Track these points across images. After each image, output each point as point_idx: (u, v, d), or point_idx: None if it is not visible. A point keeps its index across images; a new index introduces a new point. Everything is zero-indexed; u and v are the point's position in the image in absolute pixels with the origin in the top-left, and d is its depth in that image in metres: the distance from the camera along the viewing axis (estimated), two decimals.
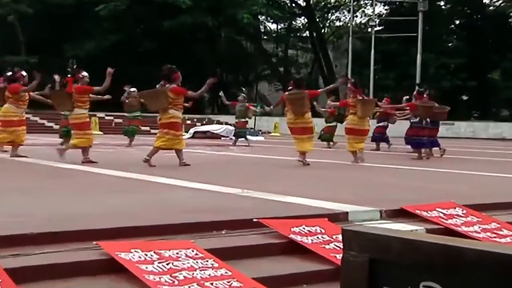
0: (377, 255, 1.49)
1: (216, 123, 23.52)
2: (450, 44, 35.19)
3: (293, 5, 37.94)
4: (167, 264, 2.71)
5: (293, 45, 39.94)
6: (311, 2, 37.25)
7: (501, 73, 33.34)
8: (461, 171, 7.54)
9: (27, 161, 7.86)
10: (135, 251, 2.78)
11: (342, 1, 38.49)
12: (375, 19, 31.73)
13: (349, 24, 33.51)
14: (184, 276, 2.62)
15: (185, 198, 4.48)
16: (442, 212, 3.89)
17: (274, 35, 40.19)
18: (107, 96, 11.35)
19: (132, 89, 12.44)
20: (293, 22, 39.28)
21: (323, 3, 38.66)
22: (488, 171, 7.60)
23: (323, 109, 13.57)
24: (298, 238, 3.20)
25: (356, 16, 37.15)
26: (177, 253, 2.82)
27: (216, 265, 2.77)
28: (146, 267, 2.66)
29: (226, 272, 2.71)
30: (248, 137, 17.75)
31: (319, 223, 3.45)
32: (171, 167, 7.19)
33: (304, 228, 3.32)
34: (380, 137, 12.49)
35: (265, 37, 39.87)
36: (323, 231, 3.34)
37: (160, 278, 2.57)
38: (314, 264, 2.99)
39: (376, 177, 6.75)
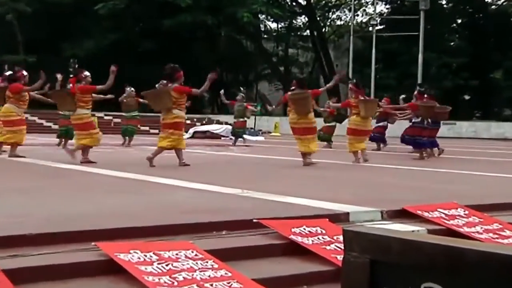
0: (378, 256, 1.49)
1: (215, 123, 23.52)
2: (452, 43, 35.13)
3: (294, 3, 37.90)
4: (167, 265, 2.69)
5: (293, 44, 39.88)
6: (312, 0, 37.20)
7: (503, 73, 33.29)
8: (462, 171, 7.52)
9: (26, 161, 7.85)
10: (134, 252, 2.77)
11: (343, 0, 38.44)
12: (376, 18, 31.70)
13: (350, 23, 33.46)
14: (183, 277, 2.61)
15: (184, 198, 4.46)
16: (443, 213, 3.87)
17: (274, 34, 40.15)
18: (109, 96, 11.36)
19: (130, 89, 12.42)
20: (294, 21, 39.24)
21: (324, 1, 38.61)
22: (490, 171, 7.58)
23: (322, 109, 13.55)
24: (299, 239, 3.18)
25: (357, 15, 37.18)
26: (177, 254, 2.81)
27: (216, 266, 2.76)
28: (146, 268, 2.64)
29: (226, 273, 2.70)
30: (248, 137, 17.78)
31: (320, 223, 3.43)
32: (170, 167, 7.17)
33: (304, 229, 3.30)
34: (380, 137, 12.48)
35: (265, 36, 39.82)
36: (323, 231, 3.32)
37: (159, 279, 2.56)
38: (314, 265, 2.98)
39: (376, 177, 6.73)
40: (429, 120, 9.67)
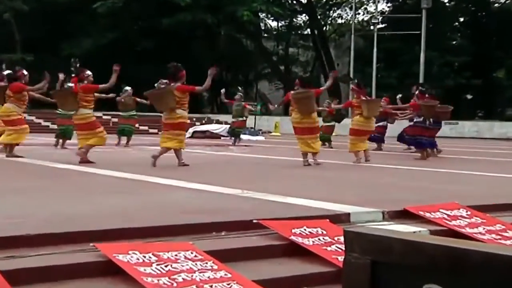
0: (380, 257, 1.49)
1: (215, 123, 23.49)
2: (454, 42, 35.07)
3: (294, 2, 37.84)
4: (166, 266, 2.68)
5: (294, 43, 39.84)
6: None
7: (506, 72, 33.24)
8: (464, 171, 7.51)
9: (23, 161, 7.82)
10: (133, 253, 2.75)
11: None
12: (378, 17, 31.65)
13: (351, 22, 33.42)
14: (183, 278, 2.59)
15: (184, 199, 4.44)
16: (446, 213, 3.85)
17: (274, 32, 40.11)
18: (111, 95, 11.35)
19: (128, 88, 12.39)
20: (294, 20, 39.17)
21: (324, 0, 38.52)
22: (492, 171, 7.55)
23: (320, 108, 13.53)
24: (299, 240, 3.16)
25: (358, 14, 37.11)
26: (176, 255, 2.79)
27: (215, 267, 2.74)
28: (144, 269, 2.63)
29: (225, 274, 2.68)
30: (248, 136, 17.76)
31: (321, 224, 3.41)
32: (170, 168, 7.15)
33: (305, 230, 3.28)
34: (380, 137, 12.46)
35: (265, 35, 39.78)
36: (324, 232, 3.30)
37: (158, 280, 2.55)
38: (315, 266, 2.96)
39: (377, 177, 6.71)
40: (431, 120, 9.65)
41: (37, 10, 29.40)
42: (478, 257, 1.32)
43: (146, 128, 21.15)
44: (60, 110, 10.73)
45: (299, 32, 39.80)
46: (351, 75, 29.72)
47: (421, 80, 23.80)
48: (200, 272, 2.66)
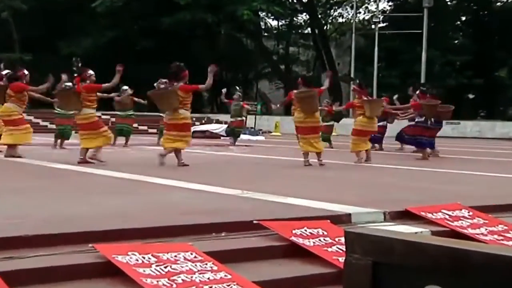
0: (381, 258, 1.49)
1: (215, 122, 23.47)
2: (455, 41, 34.95)
3: (295, 1, 37.78)
4: (165, 267, 2.66)
5: (294, 42, 39.77)
6: None
7: (508, 71, 33.15)
8: (465, 171, 7.49)
9: (22, 161, 7.80)
10: (133, 253, 2.74)
11: None
12: (379, 16, 31.56)
13: (352, 21, 33.33)
14: (182, 280, 2.58)
15: (183, 199, 4.42)
16: (447, 214, 3.83)
17: (275, 32, 40.06)
18: (113, 94, 11.34)
19: (126, 87, 12.38)
20: (295, 19, 39.09)
21: None
22: (494, 171, 7.53)
23: (319, 108, 13.50)
24: (300, 241, 3.15)
25: (359, 13, 36.97)
26: (176, 256, 2.78)
27: (215, 268, 2.73)
28: (144, 270, 2.61)
29: (225, 275, 2.67)
30: (248, 136, 17.73)
31: (321, 225, 3.39)
32: (169, 168, 7.13)
33: (305, 230, 3.27)
34: (380, 137, 12.44)
35: (265, 34, 39.70)
36: (325, 233, 3.29)
37: (158, 281, 2.54)
38: (316, 267, 2.95)
39: (378, 177, 6.70)
40: (432, 119, 9.64)
41: (36, 9, 29.35)
42: (480, 258, 1.32)
43: (145, 128, 21.13)
44: (58, 109, 10.71)
45: (300, 31, 39.74)
46: (352, 75, 29.69)
47: (422, 80, 23.76)
48: (199, 273, 2.65)
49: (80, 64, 7.60)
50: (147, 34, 30.35)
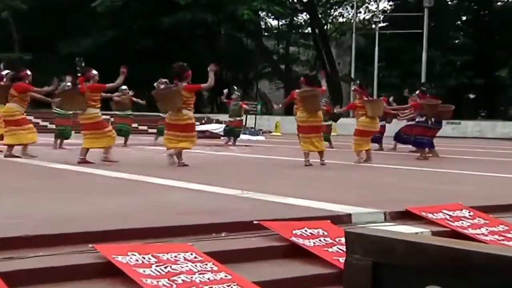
0: (381, 258, 1.49)
1: (215, 122, 23.45)
2: (456, 41, 34.87)
3: (295, 0, 37.75)
4: (165, 268, 2.66)
5: (294, 42, 39.74)
6: None
7: (509, 71, 33.09)
8: (467, 171, 7.48)
9: (21, 161, 7.80)
10: (132, 254, 2.74)
11: None
12: (379, 15, 31.53)
13: (352, 20, 33.30)
14: (182, 280, 2.58)
15: (183, 199, 4.41)
16: (448, 214, 3.83)
17: (275, 31, 40.02)
18: (116, 94, 11.35)
19: (124, 87, 12.38)
20: (295, 18, 39.05)
21: None
22: (495, 171, 7.51)
23: None
24: (300, 241, 3.14)
25: (360, 12, 36.92)
26: (176, 256, 2.77)
27: (215, 268, 2.72)
28: (144, 271, 2.61)
29: (225, 276, 2.66)
30: (248, 136, 17.71)
31: (322, 225, 3.39)
32: (169, 168, 7.13)
33: (306, 231, 3.26)
34: (380, 137, 12.43)
35: (266, 33, 39.66)
36: (325, 233, 3.28)
37: (158, 281, 2.53)
38: (316, 268, 2.94)
39: (379, 177, 6.69)
40: (433, 120, 9.63)
41: (36, 9, 29.34)
42: (480, 258, 1.31)
43: (145, 128, 21.13)
44: (58, 109, 10.69)
45: (300, 31, 39.69)
46: (352, 75, 29.67)
47: (423, 80, 23.73)
48: (200, 274, 2.64)
49: (83, 64, 7.61)
50: (147, 34, 30.34)
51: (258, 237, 3.23)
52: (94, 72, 7.54)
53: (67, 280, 2.58)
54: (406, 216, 3.86)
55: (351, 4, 35.55)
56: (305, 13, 38.28)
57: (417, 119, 9.75)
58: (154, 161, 8.38)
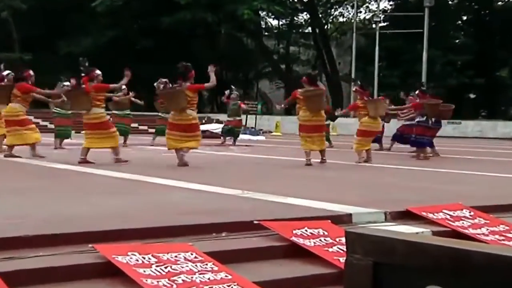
0: (382, 258, 1.48)
1: (215, 122, 23.46)
2: (457, 41, 34.82)
3: (295, 0, 37.74)
4: (165, 268, 2.65)
5: (295, 41, 39.72)
6: None
7: (510, 71, 33.05)
8: (467, 171, 7.47)
9: (21, 161, 7.79)
10: (133, 254, 2.73)
11: None
12: (380, 15, 31.51)
13: (353, 20, 33.29)
14: (182, 280, 2.57)
15: (183, 199, 4.41)
16: (449, 214, 3.82)
17: (275, 31, 40.00)
18: (120, 94, 11.39)
19: (123, 87, 12.38)
20: (295, 18, 39.01)
21: None
22: (495, 171, 7.50)
23: None
24: (300, 241, 3.14)
25: (360, 12, 36.88)
26: (176, 256, 2.77)
27: (215, 268, 2.71)
28: (144, 271, 2.60)
29: (226, 276, 2.66)
30: (249, 136, 17.70)
31: (322, 225, 3.38)
32: (169, 168, 7.12)
33: (306, 231, 3.26)
34: (380, 137, 12.43)
35: (266, 33, 39.64)
36: (326, 233, 3.28)
37: (158, 282, 2.53)
38: (316, 268, 2.94)
39: (379, 177, 6.69)
40: (433, 120, 9.64)
41: (36, 9, 29.33)
42: (481, 259, 1.31)
43: (145, 127, 21.13)
44: (57, 109, 10.69)
45: (300, 30, 39.68)
46: (353, 74, 29.64)
47: (423, 80, 23.71)
48: (200, 274, 2.64)
49: (87, 64, 7.63)
50: (147, 34, 30.33)
51: (259, 237, 3.23)
52: (98, 72, 7.55)
53: (67, 280, 2.58)
54: (406, 216, 3.86)
55: (351, 4, 35.53)
56: (305, 13, 38.26)
57: (417, 119, 9.75)
58: (154, 161, 8.37)
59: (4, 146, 8.54)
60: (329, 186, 5.62)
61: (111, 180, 5.74)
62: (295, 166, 7.89)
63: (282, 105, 10.64)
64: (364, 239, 1.51)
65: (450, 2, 35.29)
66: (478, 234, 3.56)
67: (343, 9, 39.25)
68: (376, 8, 32.95)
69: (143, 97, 13.31)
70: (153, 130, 13.69)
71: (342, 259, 2.55)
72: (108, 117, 7.72)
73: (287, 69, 38.79)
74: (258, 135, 19.33)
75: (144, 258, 2.71)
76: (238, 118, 14.23)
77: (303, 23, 39.36)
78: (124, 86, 12.41)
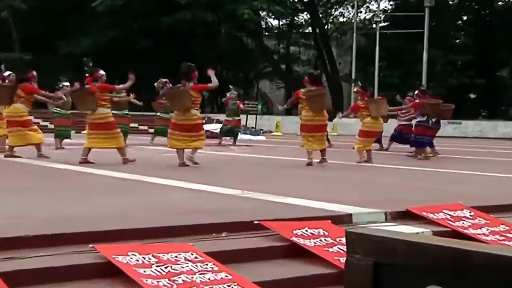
0: (382, 258, 1.48)
1: (215, 122, 23.45)
2: (457, 41, 34.83)
3: (295, 0, 37.74)
4: (166, 268, 2.65)
5: (295, 41, 39.73)
6: None
7: (510, 71, 33.08)
8: (468, 171, 7.47)
9: (21, 161, 7.80)
10: (133, 254, 2.73)
11: None
12: (380, 15, 31.51)
13: (353, 20, 33.31)
14: (183, 280, 2.57)
15: (183, 199, 4.41)
16: (449, 214, 3.82)
17: (275, 31, 40.00)
18: (122, 95, 11.44)
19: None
20: (295, 18, 39.02)
21: None
22: (496, 171, 7.50)
23: None
24: (301, 241, 3.13)
25: (361, 12, 36.89)
26: (176, 256, 2.76)
27: (216, 268, 2.71)
28: (144, 271, 2.60)
29: (226, 276, 2.65)
30: (249, 136, 17.70)
31: (322, 225, 3.38)
32: (169, 168, 7.12)
33: (306, 231, 3.25)
34: (380, 137, 12.43)
35: (266, 33, 39.64)
36: (326, 233, 3.27)
37: (158, 282, 2.52)
38: (317, 268, 2.94)
39: (379, 177, 6.69)
40: (433, 120, 9.64)
41: (36, 9, 29.34)
42: (481, 259, 1.31)
43: (145, 127, 21.14)
44: (57, 109, 10.69)
45: (301, 30, 39.68)
46: (353, 74, 29.65)
47: (423, 80, 23.72)
48: (200, 274, 2.64)
49: (91, 64, 7.66)
50: (147, 34, 30.34)
51: (259, 237, 3.22)
52: (102, 72, 7.56)
53: (67, 280, 2.58)
54: (407, 216, 3.86)
55: (351, 4, 35.54)
56: (305, 13, 38.27)
57: (418, 119, 9.76)
58: (154, 161, 8.37)
59: (6, 146, 8.54)
60: (329, 186, 5.62)
61: (111, 180, 5.74)
62: (295, 166, 7.89)
63: (285, 106, 10.62)
64: (364, 239, 1.51)
65: (450, 2, 35.29)
66: (479, 234, 3.56)
67: (344, 9, 39.27)
68: (377, 8, 32.96)
69: (143, 97, 13.28)
70: (153, 130, 13.69)
71: (343, 259, 2.56)
72: (113, 118, 7.72)
73: (287, 69, 38.79)
74: (258, 135, 19.33)
75: (144, 258, 2.71)
76: (237, 118, 14.22)
77: (304, 23, 39.37)
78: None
